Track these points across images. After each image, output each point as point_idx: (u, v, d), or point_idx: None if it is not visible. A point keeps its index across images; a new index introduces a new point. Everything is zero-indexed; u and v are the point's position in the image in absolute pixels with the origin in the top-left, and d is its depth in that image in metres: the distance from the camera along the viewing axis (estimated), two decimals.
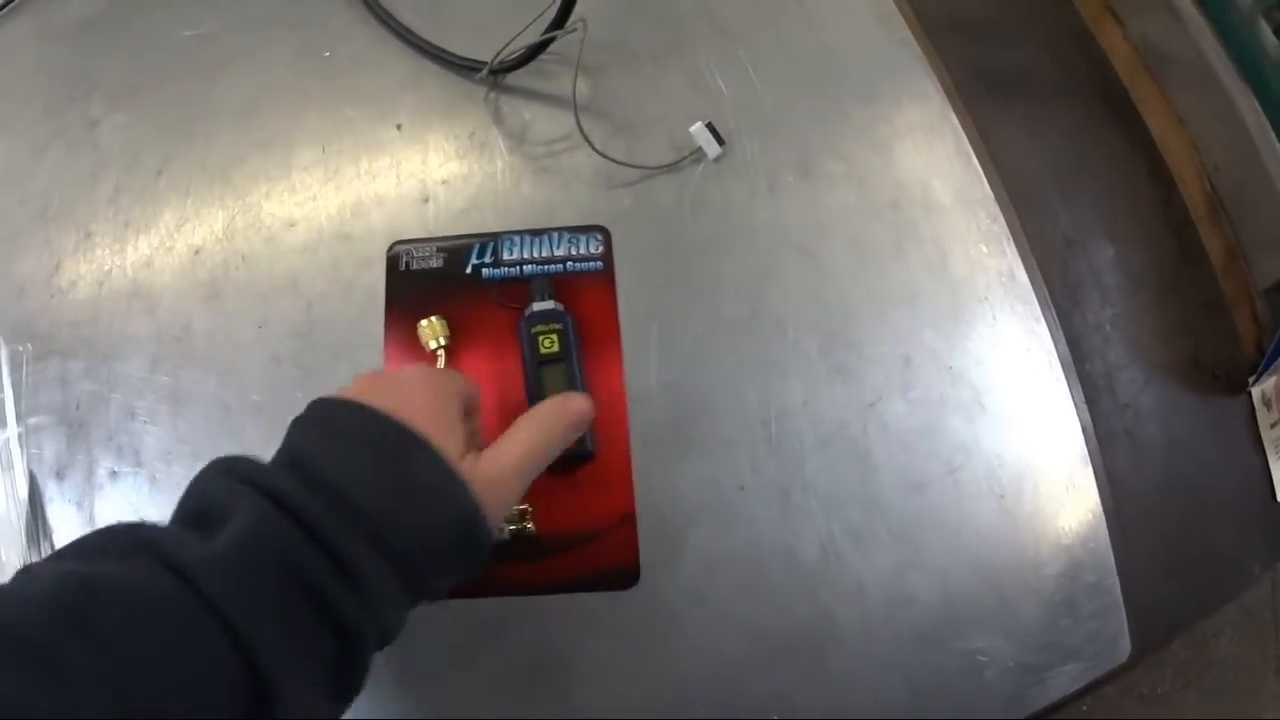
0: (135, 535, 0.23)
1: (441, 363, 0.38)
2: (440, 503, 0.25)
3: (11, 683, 0.19)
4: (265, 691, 0.21)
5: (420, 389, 0.27)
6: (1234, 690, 0.64)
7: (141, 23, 0.48)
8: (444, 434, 0.26)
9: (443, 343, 0.38)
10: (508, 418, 0.37)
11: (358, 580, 0.22)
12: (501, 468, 0.28)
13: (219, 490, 0.23)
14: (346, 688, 0.24)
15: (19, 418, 0.42)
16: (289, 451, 0.25)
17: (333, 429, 0.25)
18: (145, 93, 0.46)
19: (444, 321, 0.38)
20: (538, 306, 0.38)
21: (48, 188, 0.45)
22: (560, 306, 0.38)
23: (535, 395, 0.36)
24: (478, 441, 0.31)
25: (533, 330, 0.37)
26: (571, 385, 0.36)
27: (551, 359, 0.36)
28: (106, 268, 0.43)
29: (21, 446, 0.41)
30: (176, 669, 0.20)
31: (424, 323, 0.38)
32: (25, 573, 0.23)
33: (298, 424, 0.26)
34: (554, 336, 0.36)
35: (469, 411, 0.30)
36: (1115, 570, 0.38)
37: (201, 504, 0.24)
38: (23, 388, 0.42)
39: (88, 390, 0.41)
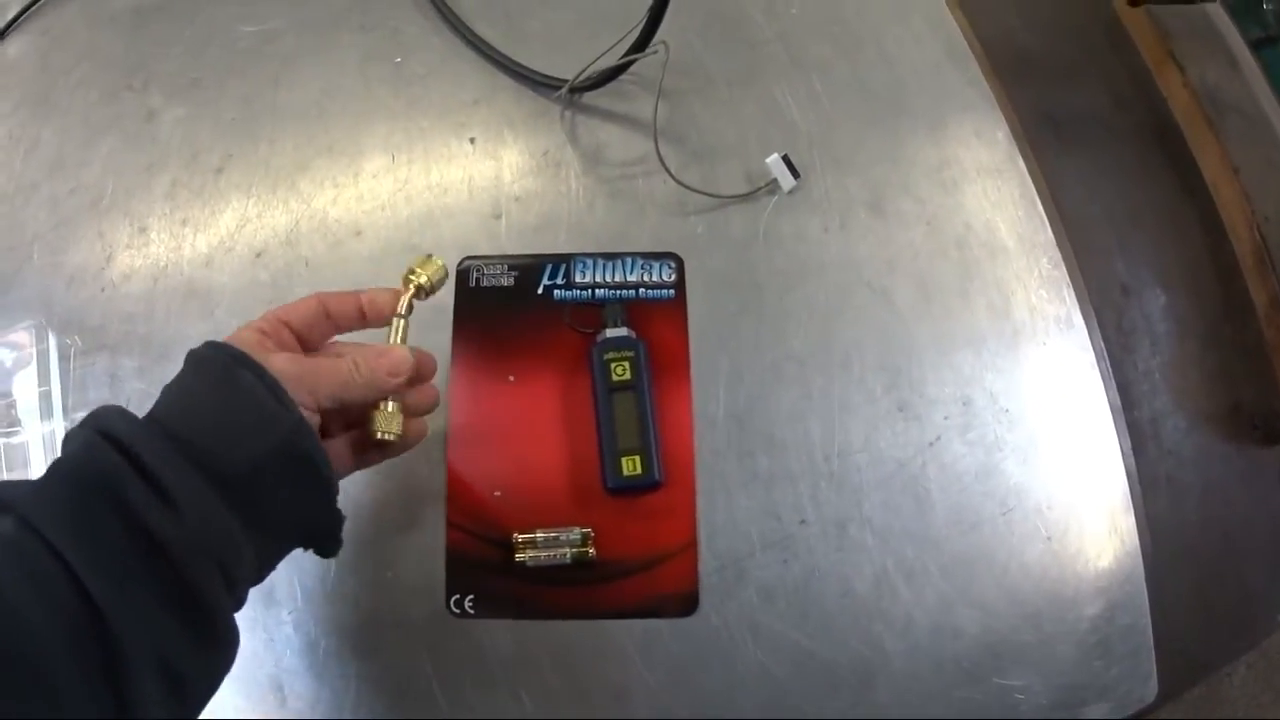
0: None
1: (403, 303, 0.33)
2: (258, 411, 0.25)
3: None
4: (101, 619, 0.21)
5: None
6: None
7: (201, 13, 0.47)
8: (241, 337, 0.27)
9: (421, 283, 0.33)
10: (574, 443, 0.38)
11: (170, 495, 0.23)
12: (295, 370, 0.28)
13: (69, 435, 0.25)
14: (202, 629, 0.23)
15: (65, 411, 0.41)
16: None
17: (182, 372, 0.27)
18: (206, 87, 0.45)
19: (438, 266, 0.33)
20: (611, 333, 0.38)
21: (101, 177, 0.44)
22: (633, 334, 0.38)
23: (605, 422, 0.37)
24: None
25: (605, 357, 0.37)
26: (642, 414, 0.36)
27: (623, 386, 0.36)
28: (162, 264, 0.42)
29: None
30: (18, 604, 0.20)
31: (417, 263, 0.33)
32: None
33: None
34: (626, 364, 0.37)
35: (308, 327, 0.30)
36: (1149, 613, 0.39)
37: (64, 444, 0.25)
38: (70, 380, 0.41)
39: (138, 389, 0.41)
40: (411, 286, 0.33)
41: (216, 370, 0.26)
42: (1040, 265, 0.42)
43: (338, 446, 0.31)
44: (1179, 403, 0.44)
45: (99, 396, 0.41)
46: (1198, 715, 0.65)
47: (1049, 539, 0.39)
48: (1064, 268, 0.42)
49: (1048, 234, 0.42)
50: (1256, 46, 0.51)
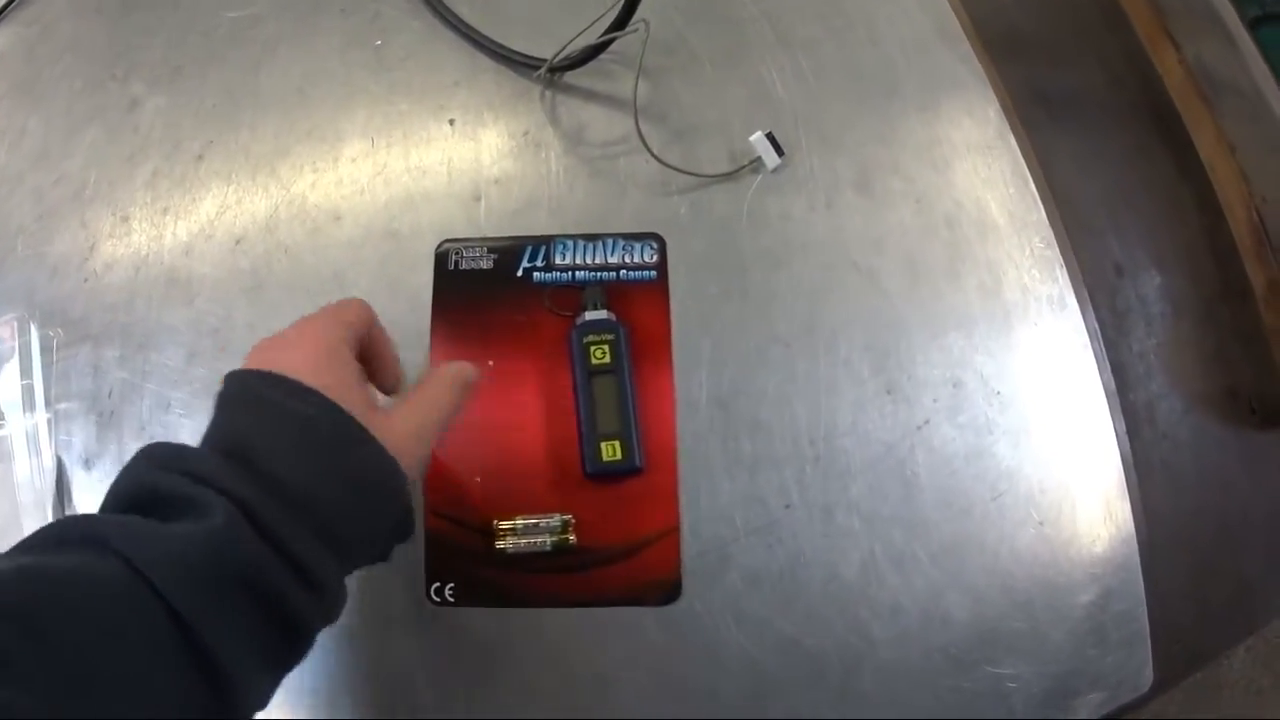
0: (87, 526, 0.22)
1: None
2: (384, 491, 0.26)
3: None
4: (221, 685, 0.22)
5: (310, 348, 0.27)
6: (1243, 714, 0.64)
7: (185, 1, 0.46)
8: (349, 396, 0.26)
9: None
10: (555, 428, 0.37)
11: (315, 583, 0.23)
12: (409, 429, 0.28)
13: (173, 485, 0.23)
14: (290, 666, 0.25)
15: (48, 403, 0.41)
16: (229, 438, 0.25)
17: (266, 410, 0.25)
18: (188, 75, 0.45)
19: None
20: (590, 315, 0.37)
21: (84, 167, 0.44)
22: (613, 316, 0.38)
23: (585, 407, 0.36)
24: (386, 372, 0.31)
25: (584, 340, 0.36)
26: (622, 398, 0.36)
27: (602, 370, 0.36)
28: (144, 253, 0.42)
29: (50, 432, 0.40)
30: (127, 666, 0.20)
31: None
32: None
33: (228, 403, 0.26)
34: (606, 347, 0.36)
35: (366, 344, 0.30)
36: (1145, 600, 0.38)
37: (155, 497, 0.23)
38: (53, 373, 0.41)
39: (121, 379, 0.40)
40: None
41: (339, 445, 0.25)
42: (1032, 244, 0.41)
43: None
44: (1175, 385, 0.43)
45: (81, 388, 0.41)
46: (1195, 699, 0.64)
47: (1041, 524, 0.38)
48: (1056, 247, 0.41)
49: (1040, 213, 0.41)
50: (1254, 25, 0.50)
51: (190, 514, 0.22)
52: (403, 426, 0.27)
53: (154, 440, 0.37)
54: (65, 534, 0.23)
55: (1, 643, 0.19)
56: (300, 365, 0.26)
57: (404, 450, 0.26)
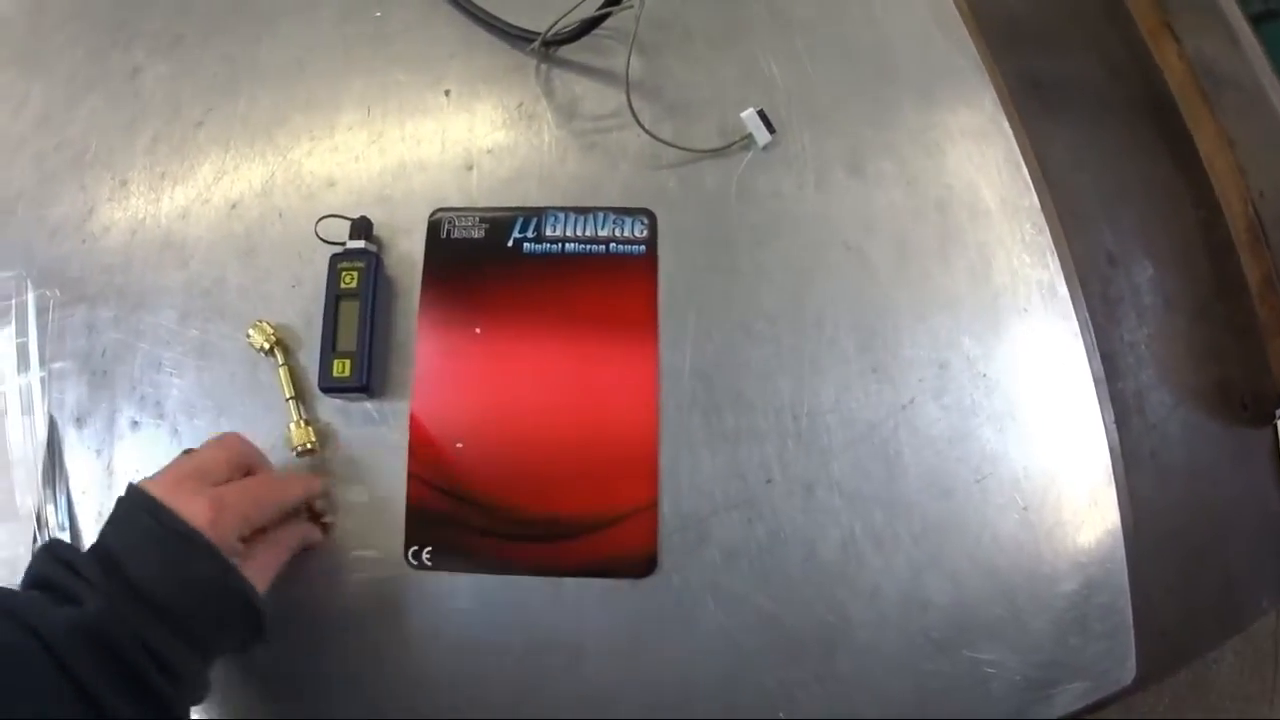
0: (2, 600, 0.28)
1: (280, 358, 0.39)
2: (227, 592, 0.31)
3: None
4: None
5: (193, 486, 0.32)
6: (1231, 717, 0.64)
7: None
8: (219, 530, 0.31)
9: (270, 345, 0.39)
10: (537, 395, 0.37)
11: (172, 667, 0.29)
12: (260, 562, 0.33)
13: (64, 579, 0.29)
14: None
15: (43, 362, 0.42)
16: (110, 555, 0.30)
17: (136, 533, 0.31)
18: (189, 44, 0.45)
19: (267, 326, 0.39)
20: (350, 245, 0.39)
21: (85, 133, 0.44)
22: (373, 248, 0.39)
23: (328, 325, 0.38)
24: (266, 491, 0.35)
25: (338, 265, 0.38)
26: (362, 321, 0.37)
27: (349, 294, 0.38)
28: (140, 216, 0.43)
29: (43, 391, 0.41)
30: (29, 708, 0.26)
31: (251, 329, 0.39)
32: None
33: (112, 522, 0.31)
34: (355, 274, 0.38)
35: (251, 469, 0.36)
36: (1129, 592, 0.38)
37: (48, 583, 0.29)
38: (48, 332, 0.42)
39: (114, 339, 0.41)
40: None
41: (189, 559, 0.30)
42: (1024, 230, 0.41)
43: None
44: (1165, 377, 0.43)
45: (76, 346, 0.41)
46: (1184, 703, 0.64)
47: (1025, 509, 0.38)
48: (1048, 234, 0.41)
49: (1032, 199, 0.41)
50: (1257, 20, 0.50)
51: (82, 600, 0.28)
52: (256, 562, 0.33)
53: (144, 398, 0.38)
54: None
55: None
56: (193, 503, 0.31)
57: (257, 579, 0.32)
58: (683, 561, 0.36)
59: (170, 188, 0.43)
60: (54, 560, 0.30)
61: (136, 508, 0.31)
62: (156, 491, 0.31)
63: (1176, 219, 0.46)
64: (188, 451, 0.36)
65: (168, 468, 0.34)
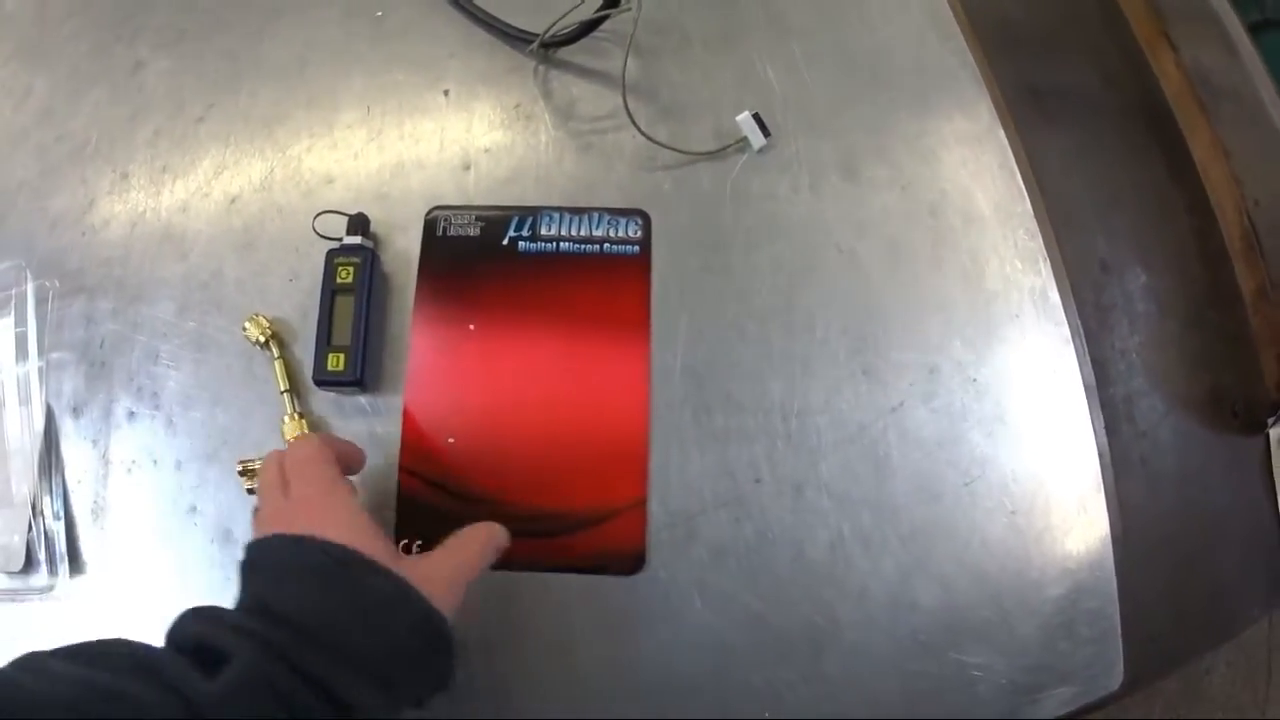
0: (134, 654, 0.25)
1: (275, 351, 0.39)
2: (399, 610, 0.28)
3: None
4: None
5: (323, 500, 0.30)
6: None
7: None
8: (370, 541, 0.28)
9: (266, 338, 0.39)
10: (529, 392, 0.38)
11: (346, 703, 0.25)
12: (440, 572, 0.31)
13: (213, 633, 0.26)
14: None
15: (41, 352, 0.42)
16: (256, 598, 0.27)
17: (286, 570, 0.28)
18: (192, 40, 0.46)
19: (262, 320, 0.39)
20: (347, 240, 0.39)
21: (87, 126, 0.45)
22: (369, 244, 0.40)
23: (323, 320, 0.38)
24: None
25: (334, 260, 0.39)
26: (357, 315, 0.38)
27: (345, 289, 0.38)
28: (140, 209, 0.43)
29: (41, 380, 0.41)
30: None
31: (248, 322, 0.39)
32: (34, 669, 0.24)
33: (252, 569, 0.28)
34: (351, 268, 0.38)
35: (351, 469, 0.34)
36: (1117, 598, 0.38)
37: (198, 642, 0.26)
38: (47, 322, 0.42)
39: (112, 330, 0.41)
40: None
41: (350, 581, 0.28)
42: (1017, 236, 0.41)
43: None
44: (1156, 384, 0.43)
45: (74, 337, 0.41)
46: (1176, 712, 0.64)
47: (1014, 513, 0.38)
48: (1041, 240, 0.41)
49: (1026, 205, 0.41)
50: (1255, 30, 0.50)
51: (233, 656, 0.25)
52: (434, 571, 0.30)
53: (141, 389, 0.38)
54: (109, 652, 0.25)
55: None
56: (330, 519, 0.29)
57: (437, 593, 0.28)
58: (671, 559, 0.37)
59: (170, 181, 0.43)
60: (204, 620, 0.27)
61: (272, 550, 0.28)
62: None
63: (1170, 227, 0.46)
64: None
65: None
